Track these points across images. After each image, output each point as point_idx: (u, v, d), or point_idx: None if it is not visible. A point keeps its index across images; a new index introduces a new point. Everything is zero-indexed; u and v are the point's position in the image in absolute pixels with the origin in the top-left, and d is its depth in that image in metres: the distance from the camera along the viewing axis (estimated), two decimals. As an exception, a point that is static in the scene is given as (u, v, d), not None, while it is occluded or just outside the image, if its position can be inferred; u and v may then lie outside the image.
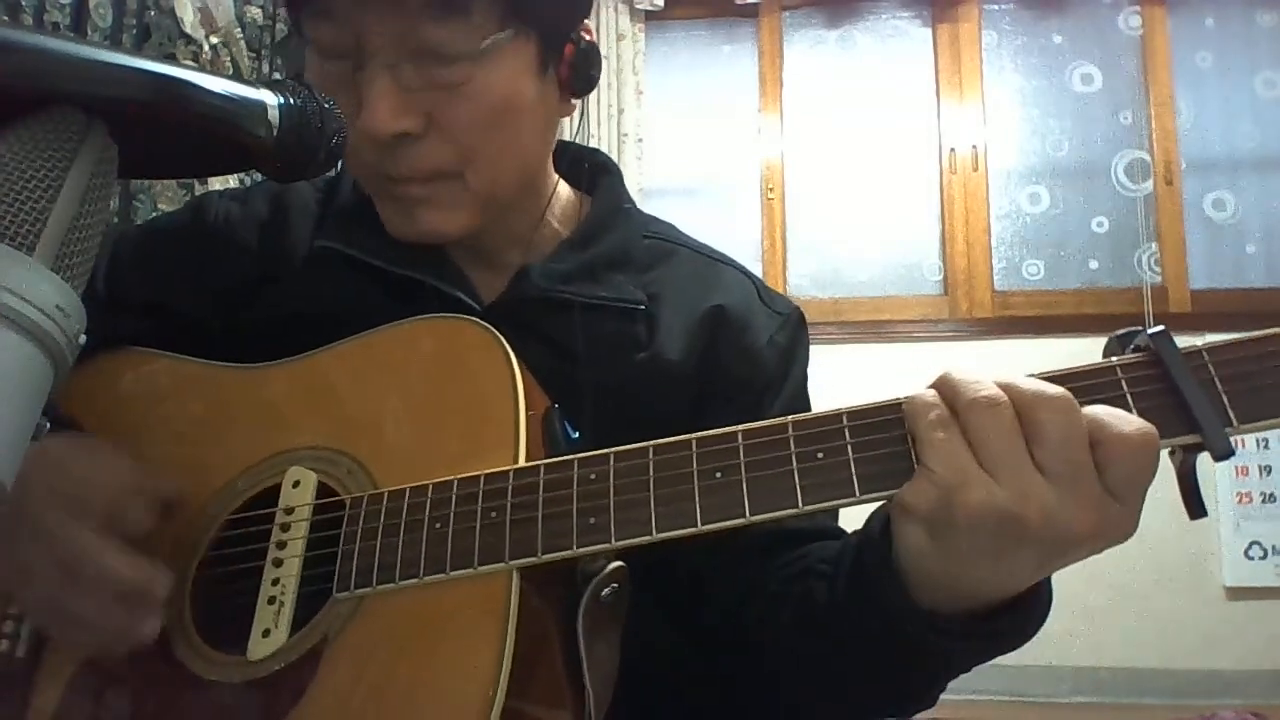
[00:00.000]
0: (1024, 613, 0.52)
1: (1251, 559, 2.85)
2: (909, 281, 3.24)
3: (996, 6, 3.33)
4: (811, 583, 0.63)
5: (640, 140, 3.23)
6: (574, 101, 0.73)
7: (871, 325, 3.16)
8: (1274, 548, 2.85)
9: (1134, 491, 0.47)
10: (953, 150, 3.24)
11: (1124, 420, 0.46)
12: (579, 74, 0.71)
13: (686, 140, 3.37)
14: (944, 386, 0.49)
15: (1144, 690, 2.81)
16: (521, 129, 0.68)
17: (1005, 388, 0.47)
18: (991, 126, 3.26)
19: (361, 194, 0.78)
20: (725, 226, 3.21)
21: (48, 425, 0.44)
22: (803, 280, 3.25)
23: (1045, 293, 3.17)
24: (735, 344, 0.75)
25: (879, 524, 0.55)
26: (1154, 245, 3.12)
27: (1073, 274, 3.18)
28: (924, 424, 0.48)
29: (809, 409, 0.77)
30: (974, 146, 3.23)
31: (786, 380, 0.77)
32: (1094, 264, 3.18)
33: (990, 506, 0.46)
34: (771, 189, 3.31)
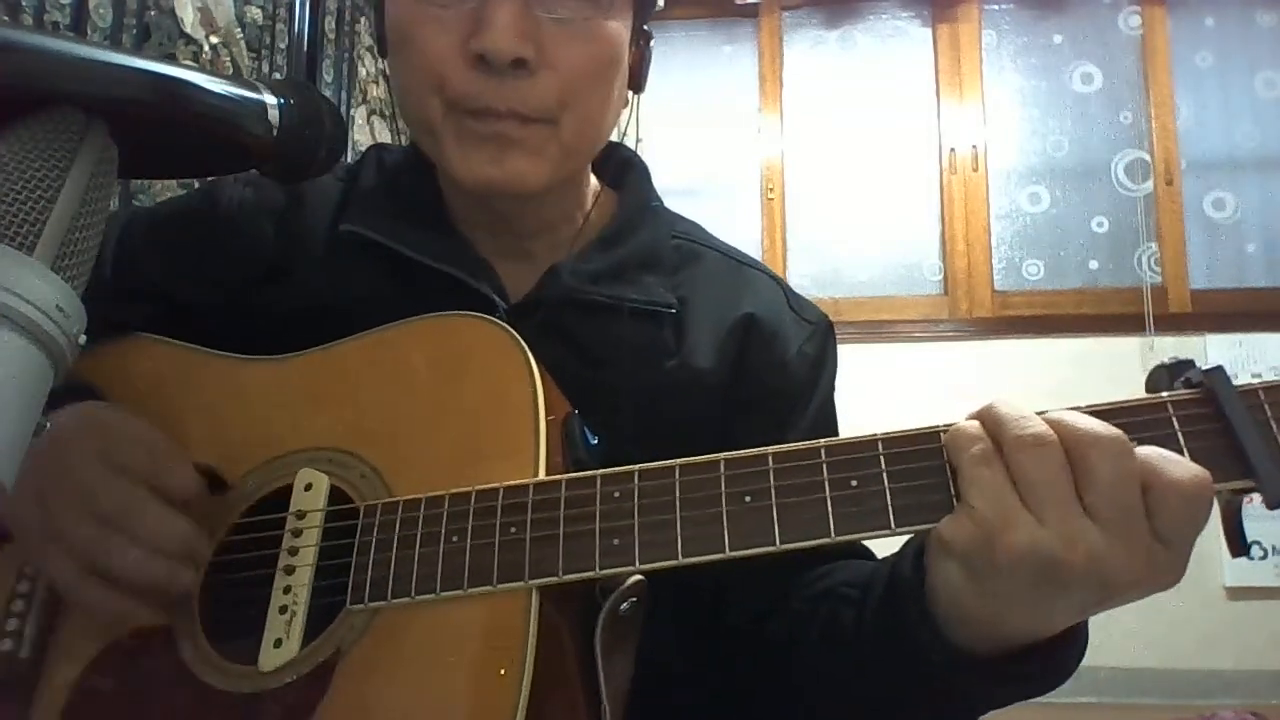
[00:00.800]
0: (1060, 654, 0.50)
1: (1251, 559, 2.85)
2: (909, 281, 3.24)
3: (996, 6, 3.33)
4: (838, 606, 0.61)
5: (640, 140, 3.23)
6: (628, 96, 0.73)
7: (871, 325, 3.16)
8: (1274, 548, 2.85)
9: (1184, 539, 0.44)
10: (953, 150, 3.24)
11: (1178, 466, 0.44)
12: (643, 67, 0.72)
13: (686, 140, 3.37)
14: (989, 419, 0.47)
15: (1144, 690, 2.81)
16: (615, 89, 0.68)
17: (1054, 424, 0.45)
18: (991, 126, 3.26)
19: (388, 177, 0.77)
20: (725, 226, 3.17)
21: (48, 425, 0.44)
22: (803, 280, 3.24)
23: (1045, 293, 3.17)
24: (765, 353, 0.74)
25: (912, 554, 0.53)
26: (1154, 245, 3.12)
27: (1073, 274, 3.18)
28: (967, 458, 0.46)
29: (835, 419, 0.77)
30: (974, 146, 3.23)
31: (815, 391, 0.75)
32: (1094, 264, 3.18)
33: (1034, 549, 0.44)
34: (771, 189, 3.31)
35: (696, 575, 0.54)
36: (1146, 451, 0.45)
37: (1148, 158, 3.17)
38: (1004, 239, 3.22)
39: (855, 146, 3.31)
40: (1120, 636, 2.81)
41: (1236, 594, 2.86)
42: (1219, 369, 0.46)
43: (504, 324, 0.60)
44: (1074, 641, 0.51)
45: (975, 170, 3.23)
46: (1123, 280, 3.14)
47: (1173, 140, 3.16)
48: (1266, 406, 0.45)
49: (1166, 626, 2.84)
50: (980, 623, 0.49)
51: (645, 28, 0.71)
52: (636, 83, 0.72)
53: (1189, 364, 0.48)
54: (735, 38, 3.44)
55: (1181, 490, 0.43)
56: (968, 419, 0.48)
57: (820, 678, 0.62)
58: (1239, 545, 0.46)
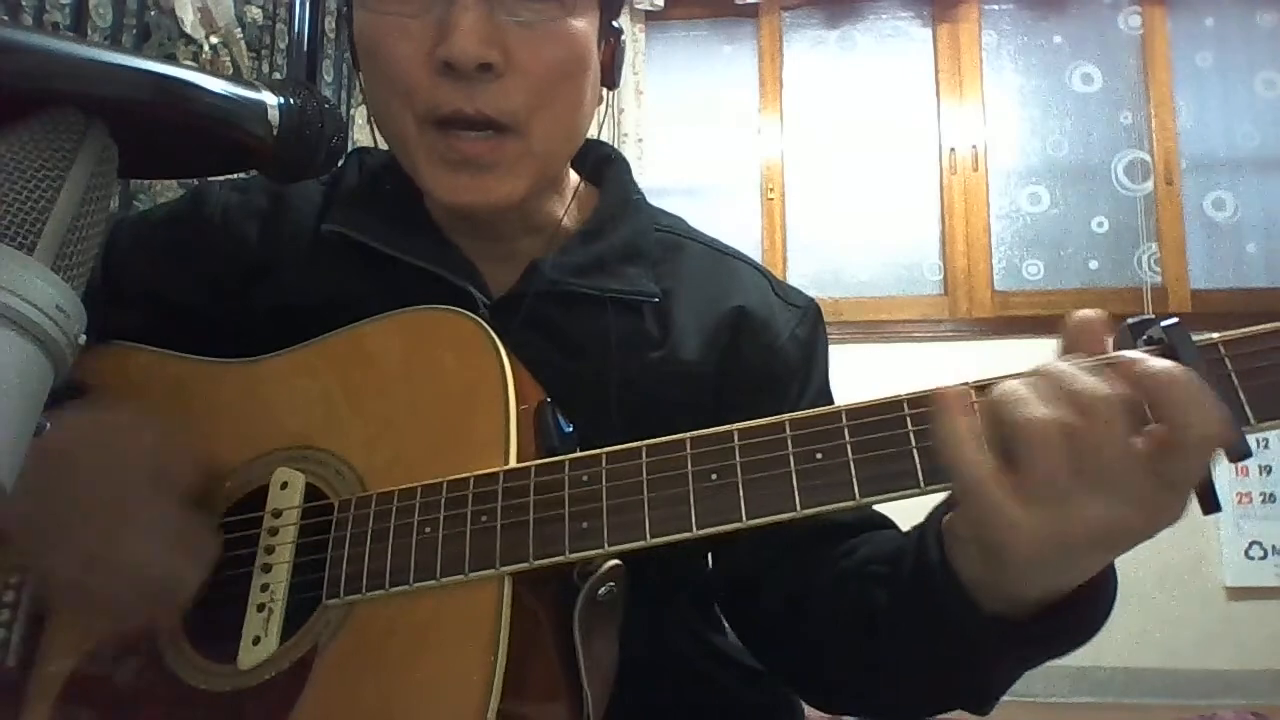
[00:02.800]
0: (1088, 603, 0.50)
1: (1251, 559, 2.85)
2: (909, 281, 3.24)
3: (996, 6, 3.33)
4: (869, 586, 0.61)
5: (640, 140, 3.23)
6: (603, 93, 0.74)
7: (871, 325, 3.16)
8: (1274, 548, 2.85)
9: (1189, 481, 0.44)
10: (953, 150, 3.24)
11: (1191, 423, 0.42)
12: (615, 64, 0.72)
13: (686, 140, 3.37)
14: (992, 410, 0.44)
15: (1144, 690, 2.81)
16: (585, 89, 0.68)
17: (1066, 397, 0.43)
18: (991, 126, 3.25)
19: (369, 179, 0.77)
20: (725, 227, 3.19)
21: (48, 425, 0.44)
22: (803, 280, 3.24)
23: (1045, 293, 3.17)
24: (757, 343, 0.74)
25: (936, 527, 0.53)
26: (1154, 245, 3.12)
27: (1073, 274, 3.17)
28: (956, 452, 0.45)
29: (833, 400, 0.76)
30: (974, 146, 3.23)
31: (812, 372, 0.76)
32: (1094, 264, 3.18)
33: (1038, 540, 0.44)
34: (771, 189, 3.31)
35: (732, 561, 0.56)
36: (1150, 380, 0.42)
37: (1148, 158, 3.17)
38: (1004, 239, 3.22)
39: (855, 147, 3.31)
40: (1120, 636, 2.81)
41: (1236, 594, 2.86)
42: (1178, 324, 0.46)
43: (474, 316, 0.61)
44: (1104, 587, 0.51)
45: (975, 170, 3.22)
46: (1123, 280, 3.13)
47: (1173, 140, 3.15)
48: (1227, 360, 0.45)
49: (1166, 626, 2.84)
50: (1007, 594, 0.49)
51: (615, 24, 0.71)
52: (610, 80, 0.73)
53: (1152, 321, 0.47)
54: (735, 38, 3.44)
55: (1190, 451, 0.42)
56: (962, 415, 0.46)
57: (861, 660, 0.62)
58: (1210, 502, 0.45)
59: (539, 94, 0.64)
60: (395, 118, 0.65)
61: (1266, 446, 2.88)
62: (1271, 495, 2.86)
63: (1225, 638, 2.84)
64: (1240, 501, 2.86)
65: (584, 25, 0.66)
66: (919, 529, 0.56)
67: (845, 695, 0.67)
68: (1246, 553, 2.86)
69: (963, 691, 0.58)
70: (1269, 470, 2.87)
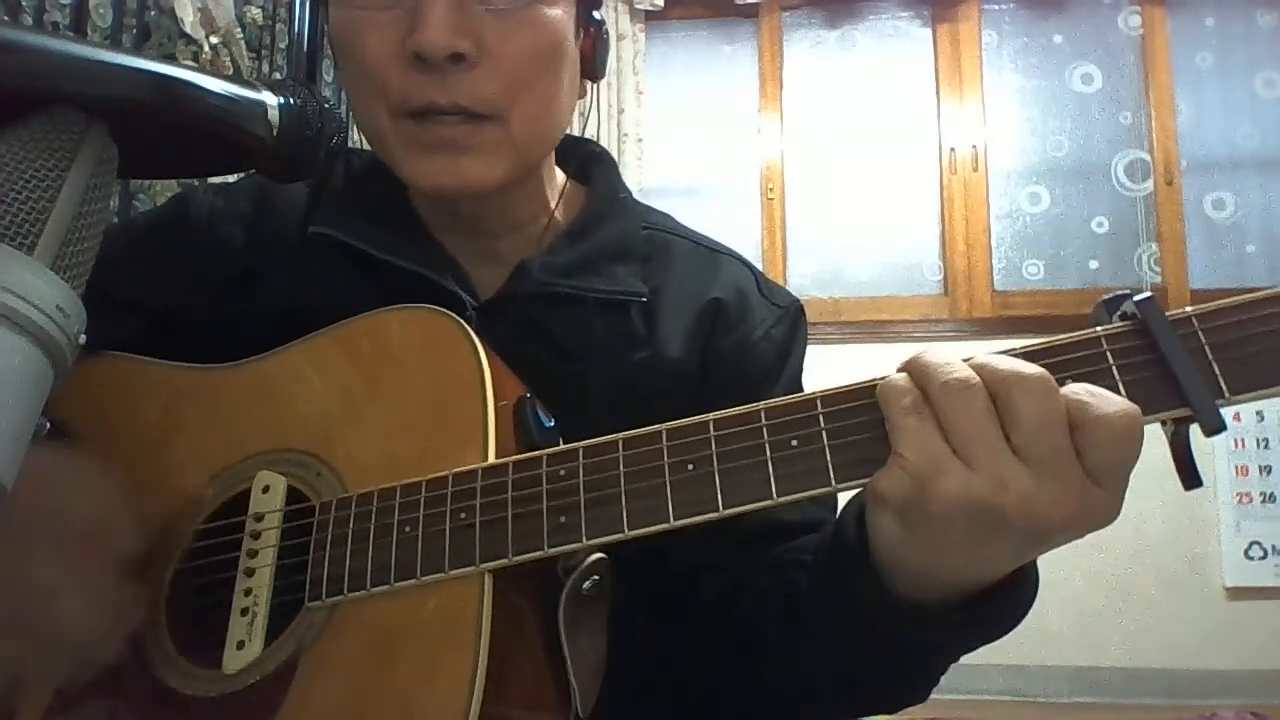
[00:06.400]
0: (1007, 599, 0.50)
1: (1251, 559, 2.85)
2: (909, 281, 3.24)
3: (996, 6, 3.33)
4: (796, 574, 0.62)
5: (640, 140, 3.23)
6: (585, 85, 0.73)
7: (871, 325, 3.16)
8: (1274, 548, 2.85)
9: (1117, 475, 0.44)
10: (953, 150, 3.24)
11: (1106, 401, 0.43)
12: (598, 55, 0.72)
13: (686, 140, 3.37)
14: (916, 369, 0.47)
15: (1144, 690, 2.81)
16: (563, 77, 0.68)
17: (979, 368, 0.45)
18: (991, 126, 3.26)
19: (355, 180, 0.77)
20: (725, 226, 3.20)
21: (48, 425, 0.44)
22: (803, 280, 3.25)
23: (1045, 293, 3.17)
24: (732, 337, 0.74)
25: (854, 511, 0.53)
26: (1154, 245, 3.12)
27: (1073, 274, 3.18)
28: (896, 409, 0.46)
29: None
30: (974, 146, 3.23)
31: (783, 373, 0.76)
32: (1094, 264, 3.18)
33: (965, 495, 0.44)
34: (771, 189, 3.31)
35: (667, 555, 0.55)
36: (1073, 389, 0.44)
37: (1148, 158, 3.17)
38: (1004, 239, 3.22)
39: (855, 147, 3.31)
40: (1120, 636, 2.81)
41: (1236, 594, 2.85)
42: (1150, 299, 0.45)
43: (450, 313, 0.60)
44: (1022, 584, 0.51)
45: (975, 170, 3.22)
46: (1123, 280, 3.13)
47: (1173, 140, 3.15)
48: (1200, 334, 0.45)
49: (1166, 626, 2.84)
50: (922, 573, 0.49)
51: (596, 15, 0.71)
52: (591, 72, 0.72)
53: (1126, 296, 0.47)
54: (735, 38, 3.44)
55: (1110, 426, 0.43)
56: (897, 370, 0.48)
57: (785, 652, 0.62)
58: (1190, 478, 0.45)
59: (514, 83, 0.64)
60: (371, 112, 0.65)
61: (1267, 446, 2.88)
62: (1271, 495, 2.86)
63: (1225, 638, 2.83)
64: (1240, 501, 2.86)
65: (559, 13, 0.65)
66: (839, 516, 0.56)
67: (774, 696, 0.66)
68: (1246, 553, 2.86)
69: (878, 683, 0.58)
70: (1269, 470, 2.87)
